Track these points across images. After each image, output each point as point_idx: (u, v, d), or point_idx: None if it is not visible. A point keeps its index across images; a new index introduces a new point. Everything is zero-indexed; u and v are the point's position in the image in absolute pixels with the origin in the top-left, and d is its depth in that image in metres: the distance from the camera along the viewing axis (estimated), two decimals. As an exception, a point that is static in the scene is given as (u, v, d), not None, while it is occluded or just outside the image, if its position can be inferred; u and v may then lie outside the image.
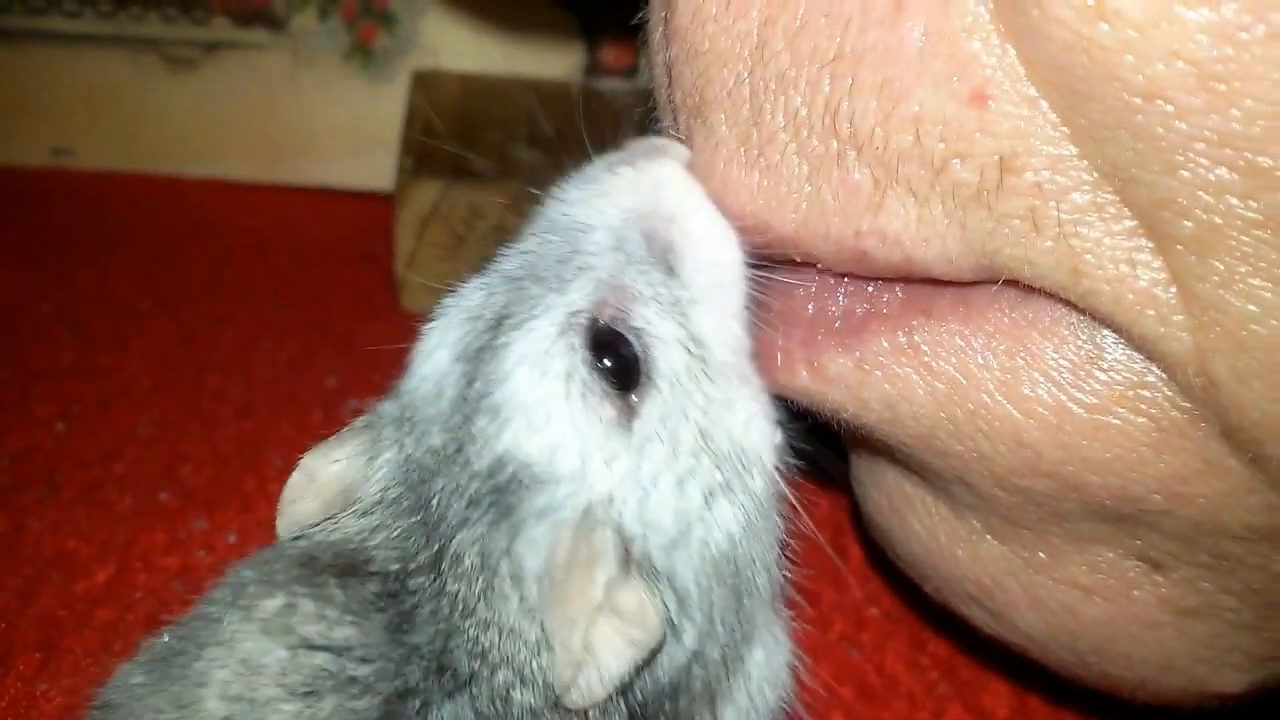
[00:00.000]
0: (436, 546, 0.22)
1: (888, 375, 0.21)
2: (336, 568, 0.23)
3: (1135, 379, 0.19)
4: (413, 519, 0.23)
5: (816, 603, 0.30)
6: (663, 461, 0.22)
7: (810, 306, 0.22)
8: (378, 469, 0.24)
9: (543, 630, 0.21)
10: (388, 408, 0.24)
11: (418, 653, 0.22)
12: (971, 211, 0.19)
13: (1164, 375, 0.18)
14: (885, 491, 0.24)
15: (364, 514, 0.24)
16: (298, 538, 0.24)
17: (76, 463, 0.34)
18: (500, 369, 0.22)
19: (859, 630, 0.30)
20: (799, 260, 0.21)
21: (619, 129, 0.46)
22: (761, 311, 0.22)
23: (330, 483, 0.24)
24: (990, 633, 0.24)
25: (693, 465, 0.22)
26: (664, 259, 0.23)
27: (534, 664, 0.21)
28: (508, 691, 0.21)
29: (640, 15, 0.25)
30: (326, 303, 0.42)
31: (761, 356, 0.22)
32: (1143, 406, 0.19)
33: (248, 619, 0.22)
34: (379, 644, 0.22)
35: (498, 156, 0.43)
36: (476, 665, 0.22)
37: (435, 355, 0.23)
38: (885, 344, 0.21)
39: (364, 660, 0.22)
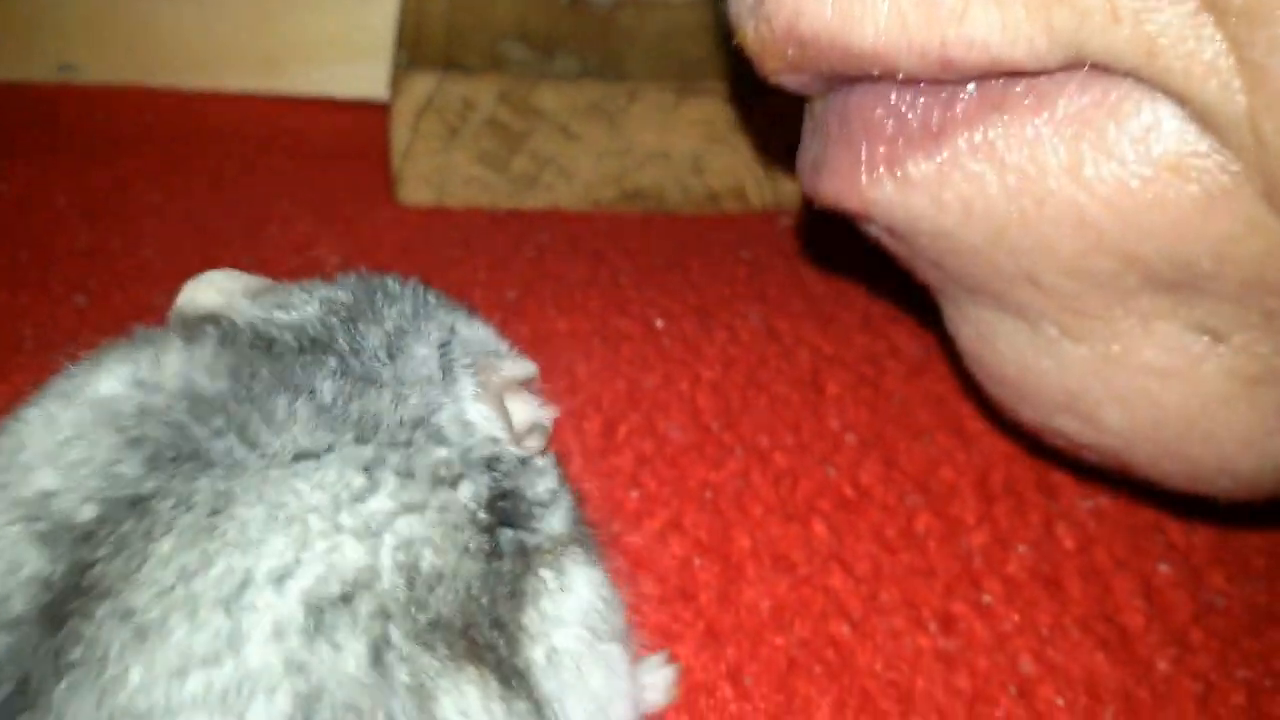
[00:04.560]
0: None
1: (966, 174, 0.23)
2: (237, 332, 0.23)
3: (1188, 149, 0.21)
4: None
5: (798, 431, 0.32)
6: None
7: (890, 123, 0.24)
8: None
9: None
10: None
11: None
12: (1055, 11, 0.21)
13: (1214, 143, 0.20)
14: (972, 324, 0.26)
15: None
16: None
17: (96, 333, 0.36)
18: None
19: (835, 452, 0.32)
20: (878, 74, 0.23)
21: (605, 34, 0.48)
22: (844, 130, 0.24)
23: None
24: (1085, 443, 0.26)
25: None
26: None
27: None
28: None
29: None
30: (327, 195, 0.44)
31: (846, 173, 0.24)
32: (1193, 174, 0.21)
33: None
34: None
35: (489, 54, 0.45)
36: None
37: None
38: (963, 145, 0.23)
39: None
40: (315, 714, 0.19)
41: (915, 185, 0.23)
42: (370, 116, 0.49)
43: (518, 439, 0.23)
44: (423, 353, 0.24)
